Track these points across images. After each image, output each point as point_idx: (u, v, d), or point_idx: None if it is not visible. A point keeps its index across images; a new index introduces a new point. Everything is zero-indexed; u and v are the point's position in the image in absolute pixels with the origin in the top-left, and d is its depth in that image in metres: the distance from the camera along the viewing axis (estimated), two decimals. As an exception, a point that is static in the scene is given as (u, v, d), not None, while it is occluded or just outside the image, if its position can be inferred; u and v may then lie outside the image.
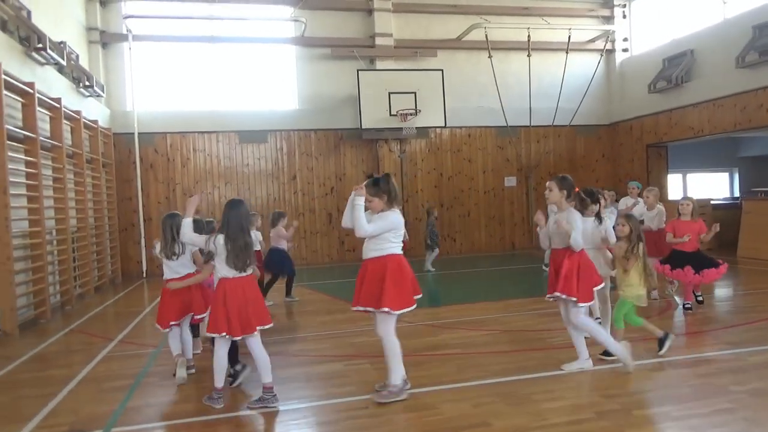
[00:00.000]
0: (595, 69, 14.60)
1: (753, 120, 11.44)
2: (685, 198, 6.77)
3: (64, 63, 8.93)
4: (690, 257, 6.41)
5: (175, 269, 4.89)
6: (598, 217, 5.30)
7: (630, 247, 4.77)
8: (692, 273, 6.32)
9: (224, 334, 4.01)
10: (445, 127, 13.81)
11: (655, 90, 13.54)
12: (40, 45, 7.94)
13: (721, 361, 4.73)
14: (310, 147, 13.82)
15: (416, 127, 13.18)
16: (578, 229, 4.36)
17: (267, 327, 4.13)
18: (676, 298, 7.09)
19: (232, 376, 4.57)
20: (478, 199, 14.71)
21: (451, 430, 3.58)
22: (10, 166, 7.05)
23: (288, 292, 8.56)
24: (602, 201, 5.61)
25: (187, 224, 4.15)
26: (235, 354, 4.54)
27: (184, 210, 4.34)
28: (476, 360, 5.03)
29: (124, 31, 12.58)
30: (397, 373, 4.12)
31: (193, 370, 4.98)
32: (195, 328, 5.38)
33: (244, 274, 4.10)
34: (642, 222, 7.05)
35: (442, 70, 13.42)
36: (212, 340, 4.24)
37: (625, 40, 15.24)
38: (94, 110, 11.17)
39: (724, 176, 17.58)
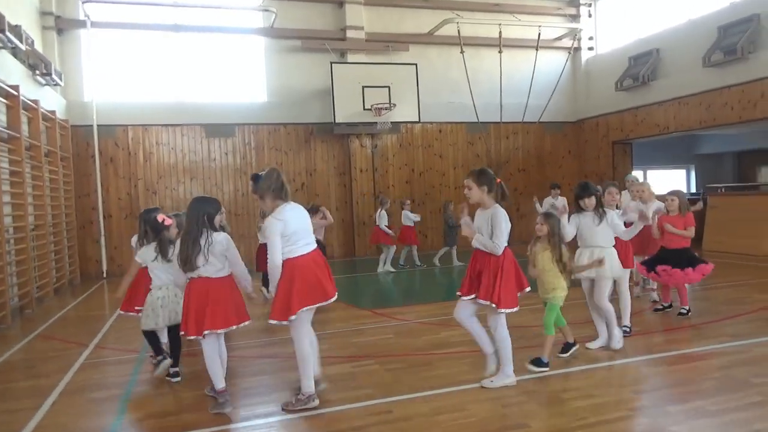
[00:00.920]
0: (562, 67, 14.78)
1: (718, 118, 11.80)
2: (672, 192, 6.23)
3: (23, 47, 8.27)
4: (676, 255, 5.89)
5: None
6: (597, 211, 4.99)
7: (554, 250, 4.45)
8: (678, 271, 5.79)
9: (182, 333, 3.99)
10: (418, 122, 13.66)
11: (622, 88, 13.81)
12: (-3, 26, 7.32)
13: (730, 354, 4.75)
14: (279, 141, 13.42)
15: (391, 122, 12.96)
16: (504, 230, 4.00)
17: (220, 331, 3.95)
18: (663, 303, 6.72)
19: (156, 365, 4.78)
20: (449, 194, 14.62)
21: (490, 432, 3.42)
22: (-33, 158, 6.44)
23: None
24: (614, 196, 5.55)
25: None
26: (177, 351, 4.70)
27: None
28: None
29: (82, 17, 11.84)
30: (310, 380, 3.90)
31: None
32: None
33: (208, 276, 3.91)
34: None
35: (416, 65, 13.27)
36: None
37: (591, 38, 15.50)
38: (51, 100, 10.45)
39: (682, 172, 18.18)
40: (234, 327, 3.98)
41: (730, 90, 11.43)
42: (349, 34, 13.53)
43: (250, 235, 13.14)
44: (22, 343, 6.36)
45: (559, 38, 15.36)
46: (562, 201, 10.53)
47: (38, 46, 11.06)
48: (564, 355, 4.73)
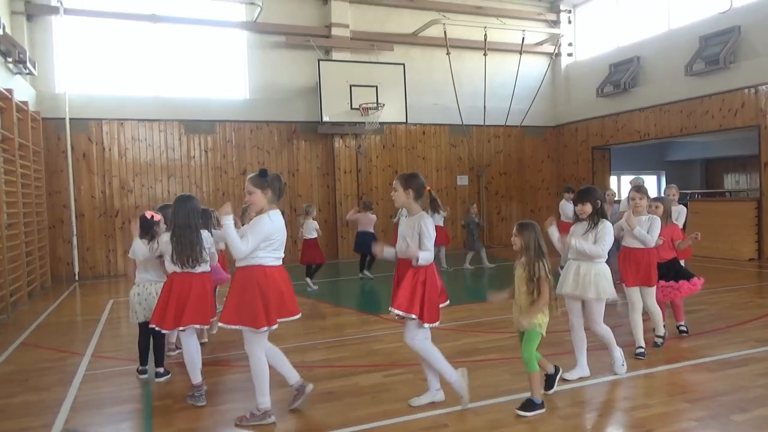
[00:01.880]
0: (544, 72, 14.92)
1: (699, 125, 12.09)
2: (657, 199, 5.44)
3: (-1, 32, 7.68)
4: (664, 268, 5.26)
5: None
6: (592, 220, 4.26)
7: (530, 266, 3.75)
8: (685, 283, 5.29)
9: (154, 326, 4.14)
10: (405, 123, 13.50)
11: (603, 94, 14.02)
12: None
13: (764, 359, 4.75)
14: (261, 140, 13.02)
15: (380, 123, 12.75)
16: (430, 237, 3.74)
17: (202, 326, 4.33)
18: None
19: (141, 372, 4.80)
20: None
21: (558, 446, 3.26)
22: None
23: (363, 268, 9.97)
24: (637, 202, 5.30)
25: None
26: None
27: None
28: (509, 367, 4.73)
29: (54, 3, 11.17)
30: (266, 396, 3.74)
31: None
32: None
33: (192, 270, 4.11)
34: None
35: (403, 65, 13.11)
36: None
37: (570, 45, 15.69)
38: (22, 90, 9.79)
39: (653, 178, 18.63)
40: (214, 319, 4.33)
41: (711, 99, 11.73)
42: (334, 31, 13.26)
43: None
44: (6, 352, 5.85)
45: (540, 43, 15.49)
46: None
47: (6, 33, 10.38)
48: (550, 391, 4.04)
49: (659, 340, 5.17)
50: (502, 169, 15.37)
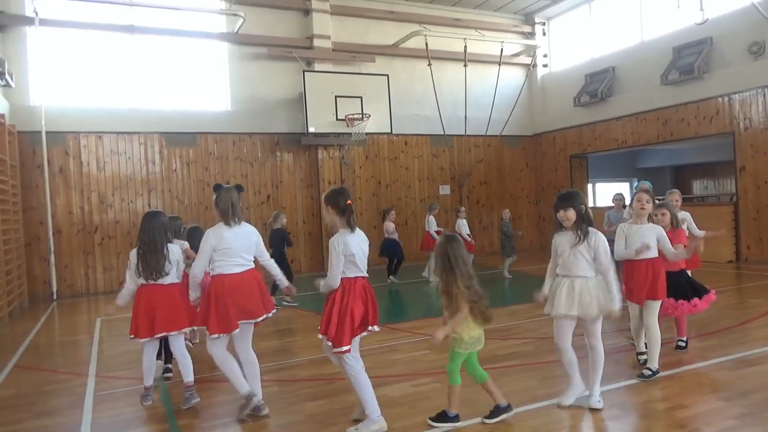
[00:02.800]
0: (522, 83, 15.19)
1: (675, 133, 12.48)
2: (662, 206, 5.11)
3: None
4: (674, 280, 4.84)
5: None
6: (578, 229, 3.83)
7: (446, 279, 3.60)
8: (684, 303, 4.97)
9: (132, 336, 4.38)
10: (390, 133, 13.51)
11: (580, 104, 14.35)
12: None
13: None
14: (243, 152, 12.83)
15: (366, 133, 12.73)
16: (336, 261, 3.57)
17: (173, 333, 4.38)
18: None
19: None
20: (414, 207, 14.59)
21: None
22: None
23: (392, 272, 10.53)
24: (643, 204, 5.15)
25: None
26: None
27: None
28: (549, 371, 4.73)
29: (29, 13, 10.81)
30: (243, 385, 4.04)
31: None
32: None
33: (159, 282, 4.33)
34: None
35: (387, 76, 13.15)
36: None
37: (545, 56, 16.03)
38: (-2, 103, 9.43)
39: (626, 185, 19.12)
40: (187, 330, 4.45)
41: (686, 107, 12.13)
42: (316, 42, 13.23)
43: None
44: (2, 376, 5.55)
45: (517, 54, 15.79)
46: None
47: (-21, 44, 10.01)
48: (490, 420, 3.70)
49: (647, 372, 4.46)
50: (482, 178, 15.53)
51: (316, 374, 5.06)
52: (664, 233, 4.60)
